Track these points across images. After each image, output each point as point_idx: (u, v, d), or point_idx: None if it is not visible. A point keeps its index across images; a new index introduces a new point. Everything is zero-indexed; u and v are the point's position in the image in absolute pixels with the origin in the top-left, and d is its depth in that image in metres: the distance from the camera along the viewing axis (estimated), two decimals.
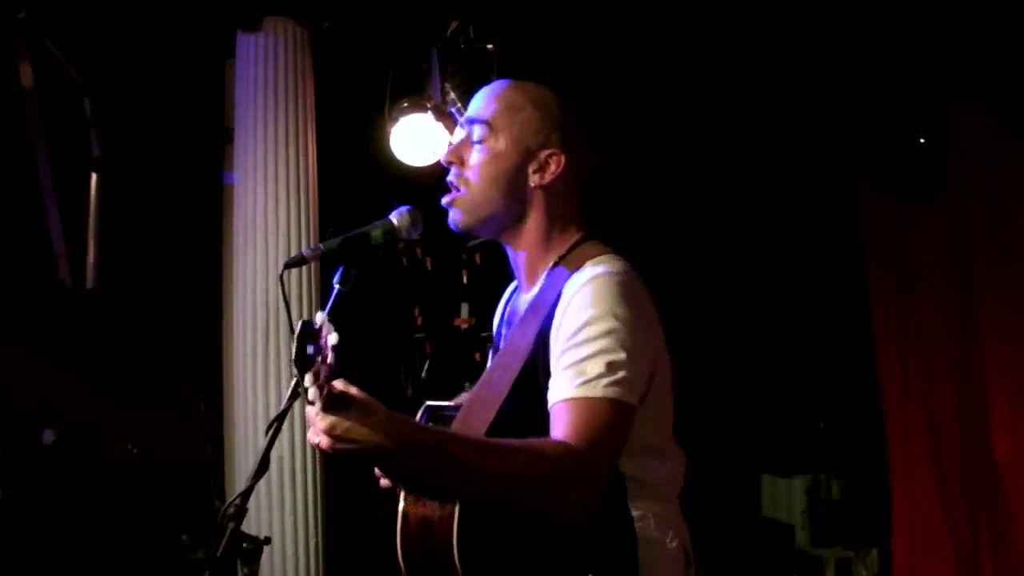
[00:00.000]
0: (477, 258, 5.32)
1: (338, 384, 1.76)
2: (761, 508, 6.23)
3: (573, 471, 1.86)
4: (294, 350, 1.68)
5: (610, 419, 1.91)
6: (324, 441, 1.77)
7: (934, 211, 4.94)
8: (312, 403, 1.73)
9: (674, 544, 2.07)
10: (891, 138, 4.95)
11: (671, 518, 2.10)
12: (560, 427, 1.91)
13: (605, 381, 1.91)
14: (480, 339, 5.23)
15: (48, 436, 4.51)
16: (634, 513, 2.02)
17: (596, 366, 1.92)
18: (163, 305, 4.86)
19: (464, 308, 5.41)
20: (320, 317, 1.72)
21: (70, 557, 4.34)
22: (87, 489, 4.47)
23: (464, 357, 5.29)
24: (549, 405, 1.95)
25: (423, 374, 5.28)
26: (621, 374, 1.92)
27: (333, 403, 1.74)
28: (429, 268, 5.45)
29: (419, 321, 5.43)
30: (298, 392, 1.76)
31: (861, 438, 5.83)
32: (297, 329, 1.70)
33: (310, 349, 1.70)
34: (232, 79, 4.57)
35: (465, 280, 5.41)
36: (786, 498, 6.12)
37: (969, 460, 4.82)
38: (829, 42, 4.65)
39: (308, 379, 1.68)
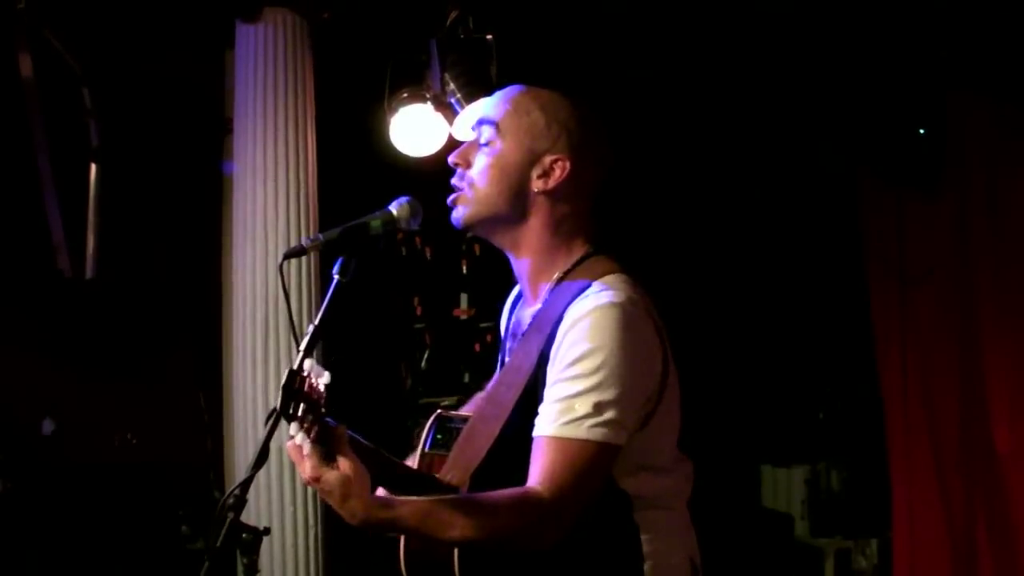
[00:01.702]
0: (477, 249, 5.32)
1: (340, 435, 1.86)
2: (761, 498, 6.24)
3: (543, 521, 1.90)
4: (279, 400, 1.77)
5: (588, 462, 1.92)
6: (312, 483, 1.86)
7: (935, 201, 4.93)
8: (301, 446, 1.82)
9: (680, 557, 2.07)
10: (891, 130, 4.94)
11: (677, 529, 2.09)
12: (538, 464, 1.93)
13: (590, 422, 1.91)
14: (480, 330, 5.22)
15: (47, 426, 4.51)
16: (640, 526, 2.02)
17: (584, 405, 1.92)
18: (163, 296, 4.86)
19: (464, 298, 5.41)
20: (308, 363, 1.79)
21: (70, 548, 4.35)
22: (87, 480, 4.47)
23: (464, 348, 5.29)
24: (534, 434, 1.96)
25: (423, 365, 5.27)
26: (608, 415, 1.92)
27: (324, 441, 1.83)
28: (429, 258, 5.44)
29: (419, 312, 5.42)
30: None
31: (861, 428, 5.83)
32: (284, 379, 1.78)
33: (299, 391, 1.78)
34: (231, 70, 4.55)
35: (465, 270, 5.41)
36: (786, 488, 6.13)
37: (969, 451, 4.82)
38: (828, 33, 4.64)
39: (294, 427, 1.79)
